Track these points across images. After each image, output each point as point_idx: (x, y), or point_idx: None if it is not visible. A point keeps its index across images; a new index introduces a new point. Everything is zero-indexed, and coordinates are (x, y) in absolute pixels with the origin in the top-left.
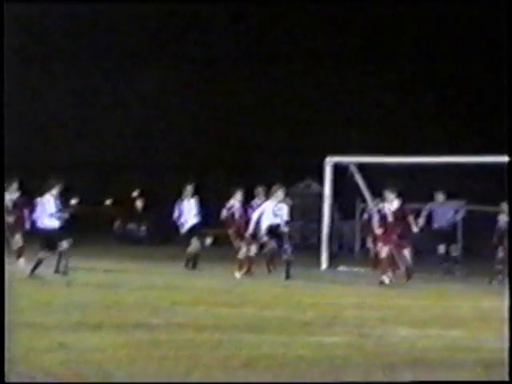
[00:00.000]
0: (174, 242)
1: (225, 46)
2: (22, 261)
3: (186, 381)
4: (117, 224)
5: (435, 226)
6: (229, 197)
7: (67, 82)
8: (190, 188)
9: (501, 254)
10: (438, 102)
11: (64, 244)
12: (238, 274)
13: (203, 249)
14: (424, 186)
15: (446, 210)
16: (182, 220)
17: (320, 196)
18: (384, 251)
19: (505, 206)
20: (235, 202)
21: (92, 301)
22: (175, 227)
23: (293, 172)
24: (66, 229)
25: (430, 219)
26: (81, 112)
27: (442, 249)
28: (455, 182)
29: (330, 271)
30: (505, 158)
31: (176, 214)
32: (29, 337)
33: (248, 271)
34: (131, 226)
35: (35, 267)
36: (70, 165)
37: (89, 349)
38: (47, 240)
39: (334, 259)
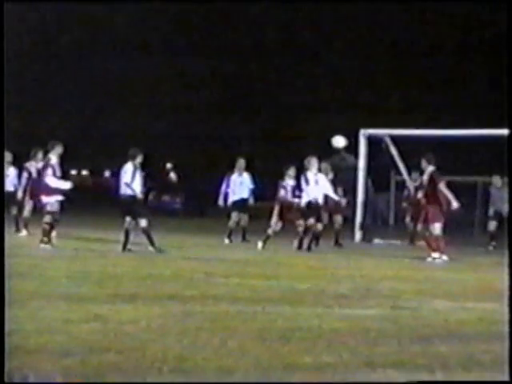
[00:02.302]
0: (209, 214)
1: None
2: (24, 232)
3: (220, 352)
4: (151, 196)
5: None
6: (262, 170)
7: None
8: (242, 161)
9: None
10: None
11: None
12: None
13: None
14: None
15: (503, 195)
16: (230, 192)
17: (355, 169)
18: (437, 228)
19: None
20: (289, 179)
21: (126, 272)
22: (213, 199)
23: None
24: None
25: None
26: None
27: (492, 225)
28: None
29: (363, 244)
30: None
31: (224, 186)
32: (65, 308)
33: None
34: (166, 197)
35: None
36: (107, 136)
37: (124, 321)
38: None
39: (367, 232)
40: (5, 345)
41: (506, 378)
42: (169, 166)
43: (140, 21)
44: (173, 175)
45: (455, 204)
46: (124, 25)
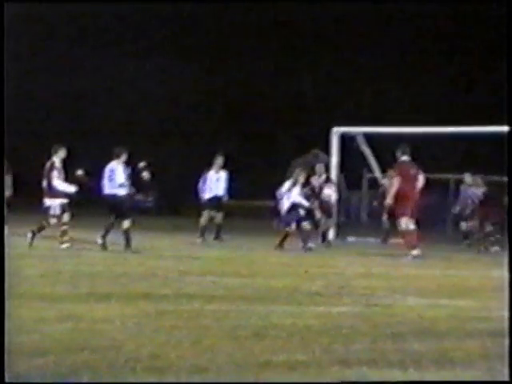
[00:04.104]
0: (184, 213)
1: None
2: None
3: (194, 350)
4: (140, 196)
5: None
6: (239, 167)
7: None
8: (220, 159)
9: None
10: (443, 73)
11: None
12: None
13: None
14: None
15: (473, 193)
16: (206, 189)
17: (327, 166)
18: (403, 223)
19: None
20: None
21: (100, 271)
22: (187, 198)
23: (302, 143)
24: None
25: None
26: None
27: (464, 225)
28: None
29: (337, 241)
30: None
31: (201, 183)
32: (38, 308)
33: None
34: (138, 196)
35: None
36: (76, 132)
37: (98, 319)
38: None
39: (341, 229)
40: (5, 345)
41: (480, 374)
42: (141, 164)
43: (120, 17)
44: (146, 174)
45: (388, 200)
46: (99, 19)
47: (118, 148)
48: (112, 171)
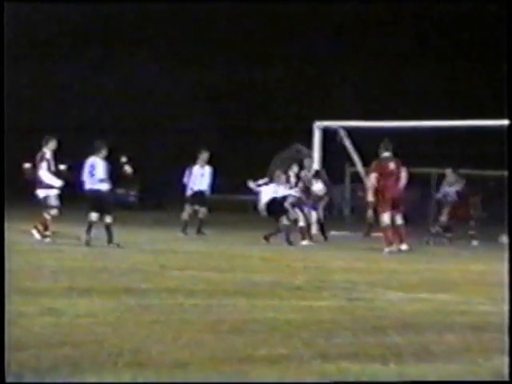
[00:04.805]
0: (167, 207)
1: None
2: None
3: (175, 345)
4: (121, 190)
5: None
6: (220, 161)
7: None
8: (205, 154)
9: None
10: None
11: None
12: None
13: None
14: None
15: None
16: (191, 184)
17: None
18: (385, 219)
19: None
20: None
21: (82, 266)
22: (170, 192)
23: (284, 137)
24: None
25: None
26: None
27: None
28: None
29: (319, 235)
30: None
31: (186, 177)
32: (19, 302)
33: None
34: (120, 190)
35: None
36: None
37: (79, 314)
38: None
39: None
40: (5, 345)
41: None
42: (123, 159)
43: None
44: (128, 168)
45: (369, 198)
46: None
47: (97, 142)
48: (92, 166)
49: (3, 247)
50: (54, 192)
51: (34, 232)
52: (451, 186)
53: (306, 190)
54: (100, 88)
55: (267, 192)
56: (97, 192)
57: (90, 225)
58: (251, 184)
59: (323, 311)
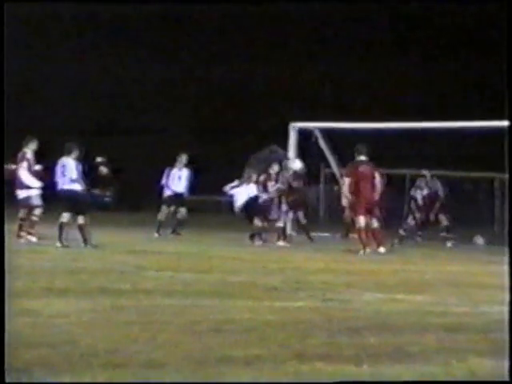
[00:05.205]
0: (144, 208)
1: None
2: None
3: (151, 345)
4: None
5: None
6: (197, 162)
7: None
8: (184, 157)
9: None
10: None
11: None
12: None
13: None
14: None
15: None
16: (168, 185)
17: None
18: (361, 221)
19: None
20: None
21: (58, 266)
22: (147, 193)
23: (261, 138)
24: None
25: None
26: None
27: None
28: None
29: (295, 236)
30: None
31: (164, 179)
32: None
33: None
34: (95, 191)
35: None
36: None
37: (55, 315)
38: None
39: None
40: (5, 345)
41: (445, 368)
42: (99, 159)
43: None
44: (103, 169)
45: (343, 202)
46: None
47: (68, 143)
48: (64, 167)
49: (3, 247)
50: (35, 192)
51: (30, 237)
52: (420, 189)
53: (289, 188)
54: (77, 89)
55: (242, 193)
56: (69, 192)
57: (61, 226)
58: (226, 188)
59: (299, 312)
